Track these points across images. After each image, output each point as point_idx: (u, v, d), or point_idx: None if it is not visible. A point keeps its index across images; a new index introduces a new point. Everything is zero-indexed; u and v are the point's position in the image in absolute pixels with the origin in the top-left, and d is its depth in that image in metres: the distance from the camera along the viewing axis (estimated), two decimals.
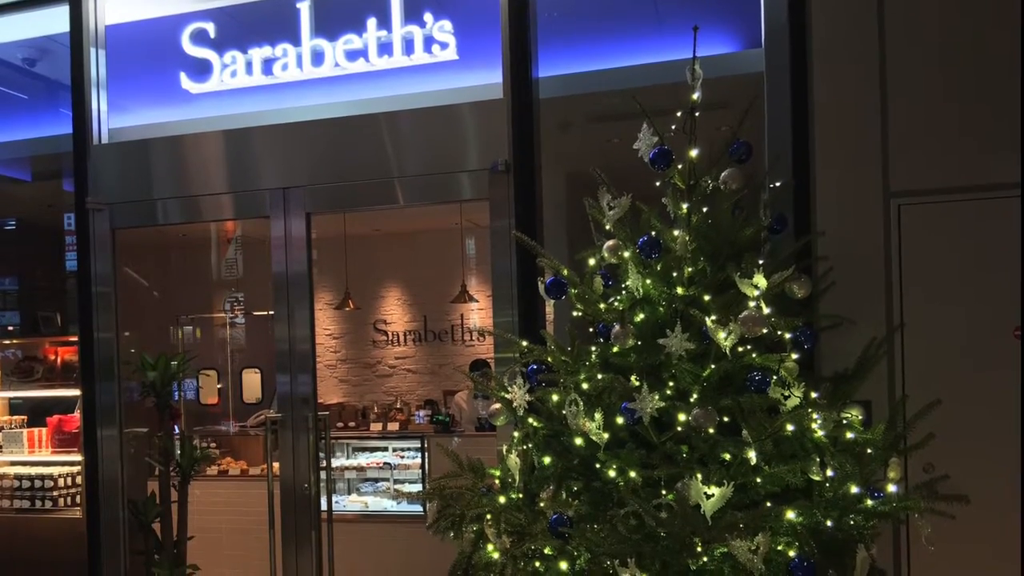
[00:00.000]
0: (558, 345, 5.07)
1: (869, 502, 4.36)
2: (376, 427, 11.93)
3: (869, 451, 4.53)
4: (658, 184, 4.90)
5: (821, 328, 5.29)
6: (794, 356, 4.52)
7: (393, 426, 11.80)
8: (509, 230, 6.54)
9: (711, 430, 4.27)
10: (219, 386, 13.39)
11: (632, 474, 4.37)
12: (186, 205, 7.83)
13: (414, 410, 12.97)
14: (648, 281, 4.70)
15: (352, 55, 7.38)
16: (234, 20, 7.73)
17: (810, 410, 4.33)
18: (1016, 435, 5.59)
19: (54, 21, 8.28)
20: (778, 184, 5.71)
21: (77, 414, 8.63)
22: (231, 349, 13.77)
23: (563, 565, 4.38)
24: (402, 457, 11.54)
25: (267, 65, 7.60)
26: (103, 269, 7.97)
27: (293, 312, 7.48)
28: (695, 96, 4.71)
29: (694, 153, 4.68)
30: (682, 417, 4.30)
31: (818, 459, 4.32)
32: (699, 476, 4.12)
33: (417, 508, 10.36)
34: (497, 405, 5.13)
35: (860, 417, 4.75)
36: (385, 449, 11.82)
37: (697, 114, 4.69)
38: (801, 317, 4.70)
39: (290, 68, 7.53)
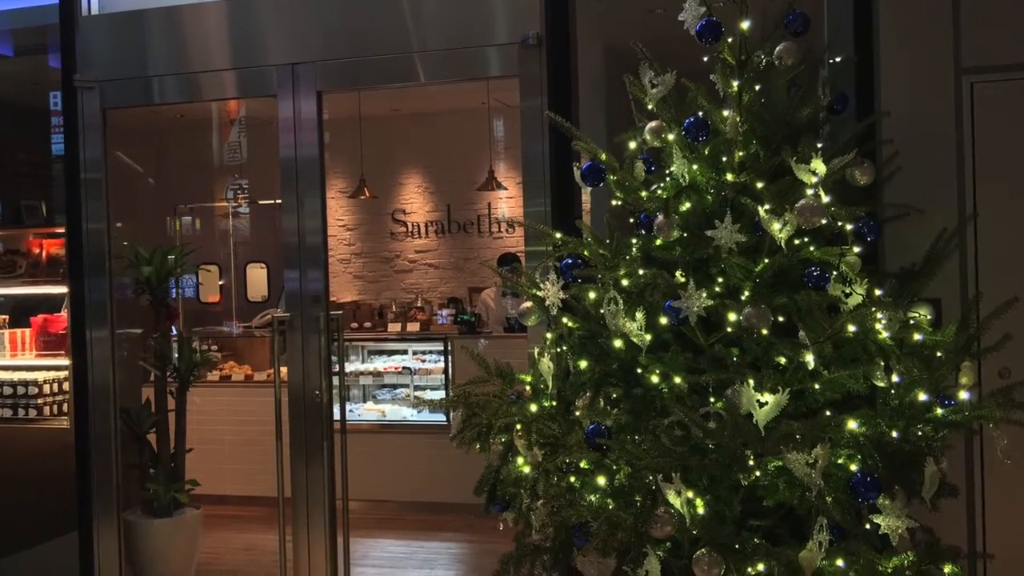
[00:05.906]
0: (595, 237, 5.06)
1: (939, 411, 4.36)
2: (394, 328, 12.02)
3: (939, 354, 4.52)
4: (706, 59, 4.86)
5: (886, 218, 5.25)
6: (856, 249, 4.50)
7: (413, 327, 11.88)
8: (541, 110, 6.49)
9: (764, 331, 4.27)
10: (221, 283, 13.48)
11: (677, 380, 4.39)
12: (184, 82, 7.81)
13: (436, 309, 13.07)
14: (695, 166, 4.68)
15: None
16: None
17: (874, 309, 4.33)
18: None
19: None
20: (838, 59, 5.62)
21: (64, 314, 8.66)
22: (234, 242, 13.84)
23: (600, 480, 4.41)
24: (423, 361, 11.63)
25: None
26: (93, 153, 7.92)
27: (303, 201, 7.46)
28: None
29: (745, 25, 4.63)
30: (732, 317, 4.31)
31: (882, 363, 4.33)
32: (751, 382, 4.12)
33: (440, 417, 10.47)
34: (528, 303, 5.13)
35: (929, 317, 4.74)
36: (404, 352, 11.91)
37: None
38: (864, 206, 4.66)
39: None
